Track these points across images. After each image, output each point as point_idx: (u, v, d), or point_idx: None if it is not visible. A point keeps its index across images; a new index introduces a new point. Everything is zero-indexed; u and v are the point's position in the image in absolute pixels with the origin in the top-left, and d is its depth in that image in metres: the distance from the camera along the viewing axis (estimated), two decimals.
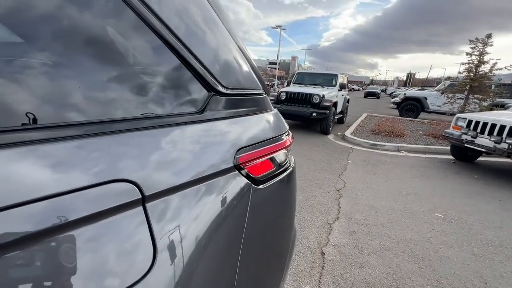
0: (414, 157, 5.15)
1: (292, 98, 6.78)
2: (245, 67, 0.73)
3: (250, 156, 0.63)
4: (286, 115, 6.84)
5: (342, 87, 7.82)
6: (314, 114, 6.36)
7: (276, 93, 7.30)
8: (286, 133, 0.86)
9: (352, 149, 5.49)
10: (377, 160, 4.77)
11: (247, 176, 0.62)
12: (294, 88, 7.23)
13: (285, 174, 0.79)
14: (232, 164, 0.58)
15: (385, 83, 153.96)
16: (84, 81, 0.43)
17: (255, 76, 0.77)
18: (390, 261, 1.98)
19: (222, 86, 0.62)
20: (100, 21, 0.45)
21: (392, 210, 2.82)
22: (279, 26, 30.05)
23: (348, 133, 6.70)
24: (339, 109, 7.81)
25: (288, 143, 0.83)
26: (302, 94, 6.68)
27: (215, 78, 0.60)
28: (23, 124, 0.35)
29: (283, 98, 6.87)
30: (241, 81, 0.70)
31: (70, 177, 0.35)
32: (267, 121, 0.78)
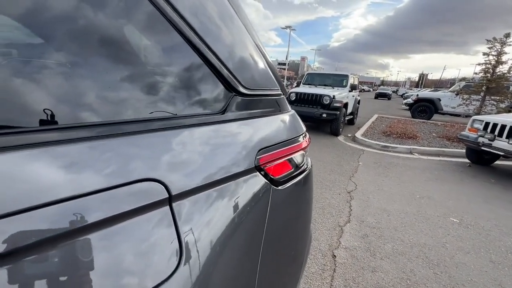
0: (427, 159, 5.02)
1: (302, 98, 6.74)
2: (264, 68, 0.73)
3: (270, 157, 0.63)
4: None
5: (353, 88, 7.72)
6: (324, 115, 6.30)
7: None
8: (303, 135, 0.85)
9: (363, 150, 5.41)
10: (389, 162, 4.68)
11: (267, 177, 0.62)
12: (304, 89, 7.18)
13: (302, 175, 0.78)
14: (253, 165, 0.58)
15: (396, 84, 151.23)
16: (112, 82, 0.43)
17: (273, 77, 0.77)
18: (403, 266, 1.94)
19: (243, 86, 0.62)
20: (117, 19, 0.43)
21: (405, 214, 2.76)
22: (289, 27, 29.96)
23: (358, 134, 6.61)
24: (349, 110, 7.71)
25: (306, 144, 0.83)
26: (312, 94, 6.63)
27: (236, 79, 0.60)
28: (44, 124, 0.35)
29: (293, 98, 6.83)
30: (261, 81, 0.70)
31: (99, 177, 0.36)
32: (285, 122, 0.78)
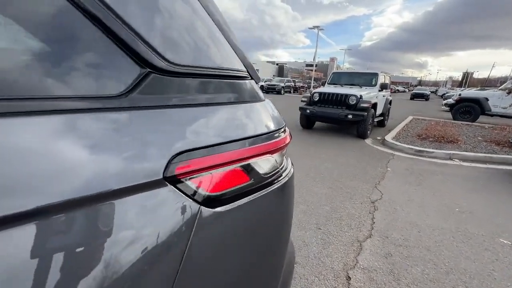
0: (471, 167, 4.38)
1: (326, 99, 6.37)
2: (218, 40, 0.54)
3: (200, 163, 0.43)
4: (318, 117, 6.47)
5: (383, 87, 7.13)
6: (350, 116, 5.88)
7: (309, 94, 6.95)
8: (282, 130, 0.64)
9: (393, 155, 4.90)
10: (423, 169, 4.15)
11: (190, 193, 0.42)
12: (329, 89, 6.80)
13: (272, 188, 0.57)
14: (160, 176, 0.38)
15: (436, 83, 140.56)
16: None
17: (234, 53, 0.57)
18: None
19: (166, 60, 0.43)
20: None
21: (440, 231, 2.34)
22: (317, 27, 29.26)
23: (389, 137, 6.05)
24: (379, 111, 7.14)
25: (281, 144, 0.61)
26: (337, 94, 6.23)
27: (153, 48, 0.42)
28: None
29: (316, 99, 6.48)
30: (209, 57, 0.51)
31: None
32: (248, 114, 0.57)
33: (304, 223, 2.35)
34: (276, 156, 0.59)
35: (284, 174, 0.62)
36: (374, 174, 3.79)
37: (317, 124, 7.39)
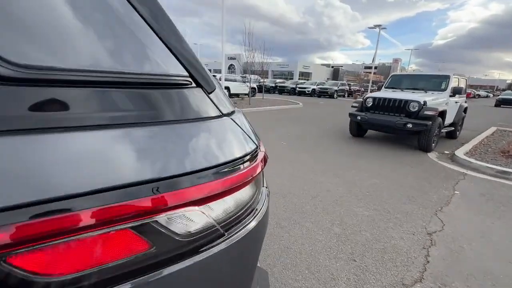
0: None
1: (381, 105, 5.66)
2: (131, 27, 0.37)
3: (33, 228, 0.26)
4: (371, 124, 5.80)
5: (457, 92, 6.00)
6: (410, 125, 5.09)
7: (362, 99, 6.30)
8: (246, 159, 0.43)
9: (465, 175, 4.01)
10: (507, 196, 3.26)
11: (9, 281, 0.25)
12: (385, 93, 6.04)
13: (207, 254, 0.37)
14: None
15: None
16: None
17: (167, 52, 0.39)
18: None
19: (6, 62, 0.28)
20: None
21: None
22: (378, 26, 26.93)
23: (460, 152, 5.03)
24: (449, 120, 6.05)
25: (240, 180, 0.40)
26: (395, 100, 5.47)
27: None
28: None
29: (369, 104, 5.82)
30: (105, 56, 0.35)
31: None
32: (174, 139, 0.39)
33: (335, 251, 2.02)
34: (219, 202, 0.39)
35: (237, 229, 0.40)
36: (436, 197, 3.13)
37: (369, 132, 6.66)
